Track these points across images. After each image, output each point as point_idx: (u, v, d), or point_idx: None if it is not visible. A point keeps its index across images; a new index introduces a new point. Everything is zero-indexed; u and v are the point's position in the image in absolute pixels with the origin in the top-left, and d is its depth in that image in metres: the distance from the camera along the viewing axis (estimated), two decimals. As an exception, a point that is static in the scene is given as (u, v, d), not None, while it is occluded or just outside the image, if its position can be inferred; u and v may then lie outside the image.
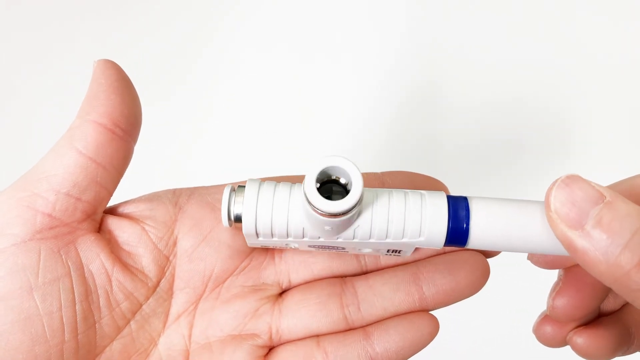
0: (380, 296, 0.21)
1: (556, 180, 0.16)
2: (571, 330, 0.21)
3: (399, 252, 0.20)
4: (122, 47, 0.51)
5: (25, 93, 0.50)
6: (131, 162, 0.21)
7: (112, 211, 0.21)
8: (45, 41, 0.51)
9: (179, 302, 0.21)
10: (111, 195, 0.20)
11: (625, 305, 0.22)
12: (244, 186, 0.19)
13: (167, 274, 0.21)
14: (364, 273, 0.23)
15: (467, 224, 0.18)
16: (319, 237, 0.19)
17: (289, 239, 0.19)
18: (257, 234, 0.19)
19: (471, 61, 0.48)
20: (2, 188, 0.19)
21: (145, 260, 0.20)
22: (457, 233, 0.18)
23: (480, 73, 0.48)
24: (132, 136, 0.20)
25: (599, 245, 0.15)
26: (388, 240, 0.19)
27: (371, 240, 0.19)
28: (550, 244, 0.18)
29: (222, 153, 0.48)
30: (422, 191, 0.19)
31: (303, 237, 0.19)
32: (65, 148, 0.19)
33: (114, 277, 0.19)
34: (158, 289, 0.21)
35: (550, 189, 0.16)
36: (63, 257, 0.18)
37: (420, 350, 0.21)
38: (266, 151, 0.47)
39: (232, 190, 0.19)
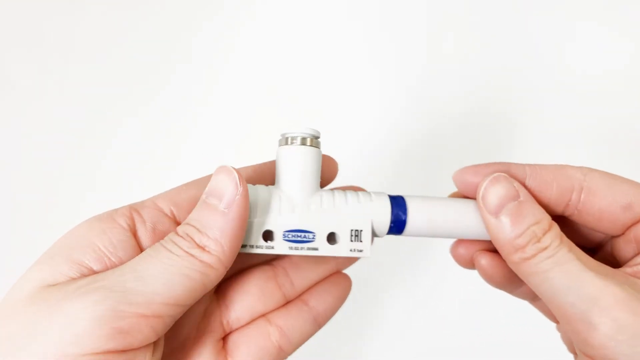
0: (306, 270, 0.26)
1: (489, 176, 0.22)
2: (477, 251, 0.26)
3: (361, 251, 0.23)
4: (114, 45, 0.52)
5: (12, 90, 0.51)
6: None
7: None
8: (36, 38, 0.52)
9: None
10: None
11: None
12: None
13: None
14: None
15: (405, 215, 0.23)
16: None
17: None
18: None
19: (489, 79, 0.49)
20: None
21: None
22: (398, 222, 0.23)
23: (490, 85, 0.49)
24: None
25: (504, 229, 0.21)
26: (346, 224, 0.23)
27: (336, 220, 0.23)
28: (468, 231, 0.24)
29: (211, 156, 0.49)
30: (371, 192, 0.24)
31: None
32: None
33: None
34: None
35: (482, 183, 0.22)
36: None
37: (344, 300, 0.26)
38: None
39: None
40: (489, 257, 0.25)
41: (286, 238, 0.22)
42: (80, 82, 0.51)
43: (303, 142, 0.23)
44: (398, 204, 0.24)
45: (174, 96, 0.51)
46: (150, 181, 0.47)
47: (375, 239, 0.25)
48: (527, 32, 0.49)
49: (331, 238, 0.23)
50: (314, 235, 0.22)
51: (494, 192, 0.21)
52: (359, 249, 0.23)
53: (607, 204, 0.22)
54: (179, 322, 0.22)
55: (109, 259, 0.20)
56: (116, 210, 0.21)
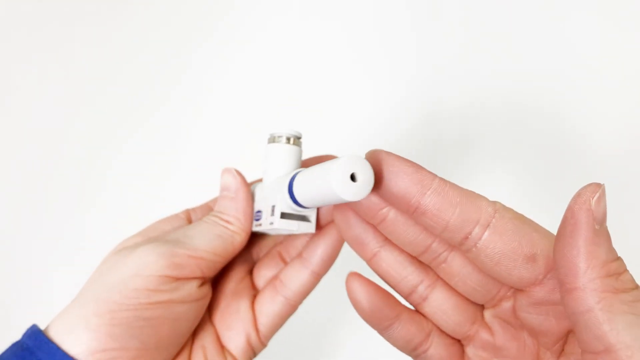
0: (295, 240, 0.30)
1: (600, 187, 0.17)
2: (350, 273, 0.23)
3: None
4: (121, 51, 0.51)
5: (20, 95, 0.51)
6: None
7: None
8: (39, 45, 0.52)
9: None
10: None
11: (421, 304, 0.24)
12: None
13: None
14: None
15: (291, 190, 0.24)
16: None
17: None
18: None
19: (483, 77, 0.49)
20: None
21: None
22: (292, 197, 0.24)
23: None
24: None
25: (601, 246, 0.17)
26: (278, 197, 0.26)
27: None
28: (327, 197, 0.20)
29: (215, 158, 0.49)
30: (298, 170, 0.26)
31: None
32: None
33: None
34: None
35: (597, 187, 0.17)
36: None
37: (341, 246, 0.29)
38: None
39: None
40: (363, 283, 0.23)
41: (255, 217, 0.28)
42: (88, 87, 0.51)
43: (287, 140, 0.27)
44: (292, 180, 0.24)
45: (176, 101, 0.51)
46: (155, 187, 0.47)
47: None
48: (525, 32, 0.49)
49: (270, 213, 0.27)
50: (261, 213, 0.28)
51: (604, 202, 0.17)
52: (272, 221, 0.26)
53: (511, 249, 0.19)
54: (226, 278, 0.30)
55: None
56: (178, 212, 0.30)
